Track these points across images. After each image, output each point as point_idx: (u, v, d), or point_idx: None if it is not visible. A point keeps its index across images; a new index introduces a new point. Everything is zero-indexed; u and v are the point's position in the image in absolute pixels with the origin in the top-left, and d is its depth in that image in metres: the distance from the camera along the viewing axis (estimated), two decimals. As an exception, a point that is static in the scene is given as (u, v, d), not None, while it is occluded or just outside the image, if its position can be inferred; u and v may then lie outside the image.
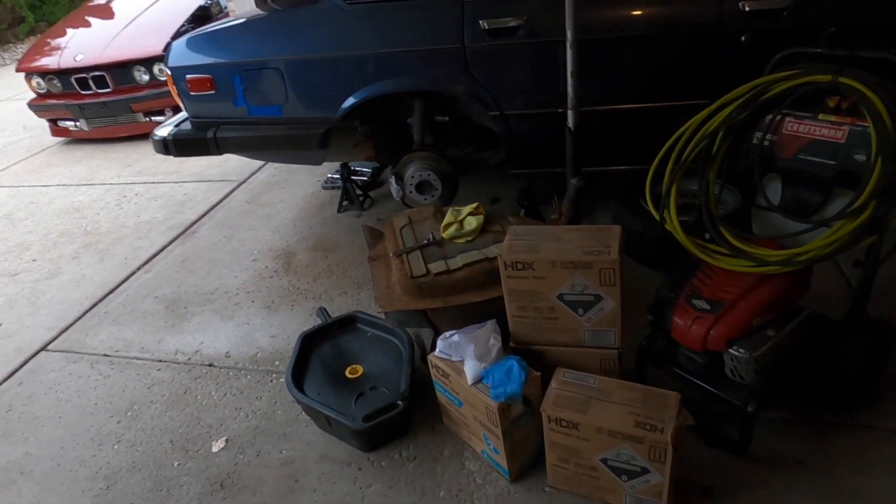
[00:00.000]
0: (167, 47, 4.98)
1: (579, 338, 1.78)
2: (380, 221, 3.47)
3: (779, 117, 1.77)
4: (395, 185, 2.81)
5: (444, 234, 2.27)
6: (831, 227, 1.63)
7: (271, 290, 2.95)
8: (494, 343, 1.78)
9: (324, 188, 3.98)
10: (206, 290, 3.05)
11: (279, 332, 2.64)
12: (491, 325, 1.83)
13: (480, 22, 2.36)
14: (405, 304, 2.02)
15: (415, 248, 2.20)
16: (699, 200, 1.92)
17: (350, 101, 2.56)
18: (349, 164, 3.57)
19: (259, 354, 2.53)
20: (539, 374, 1.72)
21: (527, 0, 2.37)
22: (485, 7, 2.38)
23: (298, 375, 2.16)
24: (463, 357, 1.81)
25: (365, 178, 3.79)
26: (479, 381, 1.74)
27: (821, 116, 1.70)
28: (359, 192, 3.65)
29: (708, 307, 1.66)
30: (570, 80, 2.11)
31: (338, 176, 3.70)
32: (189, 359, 2.57)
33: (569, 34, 2.02)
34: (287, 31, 2.56)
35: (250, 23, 2.54)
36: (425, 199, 2.85)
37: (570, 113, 2.18)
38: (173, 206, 4.09)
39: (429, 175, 2.78)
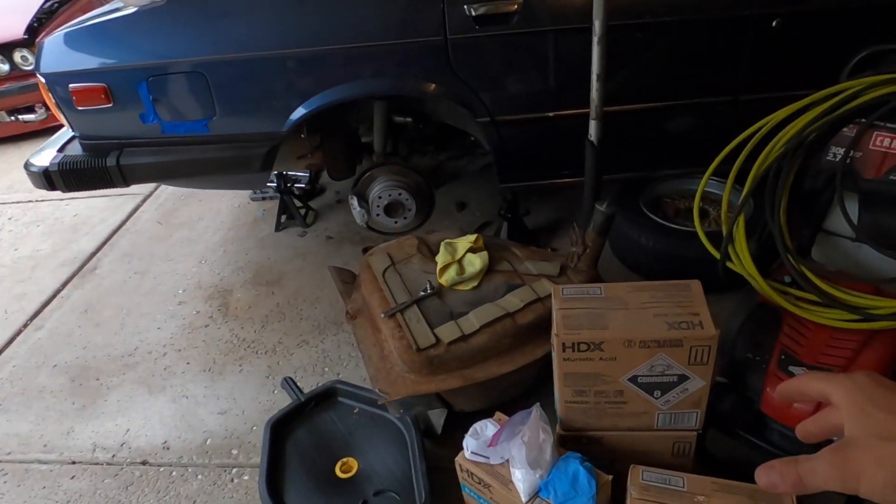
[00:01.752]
0: (30, 30, 4.07)
1: (650, 422, 1.42)
2: (330, 240, 2.94)
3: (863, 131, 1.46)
4: (357, 208, 2.30)
5: (443, 280, 1.81)
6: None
7: (209, 345, 2.38)
8: (546, 439, 1.38)
9: (252, 199, 3.36)
10: (121, 350, 2.41)
11: (230, 407, 2.10)
12: (537, 414, 1.41)
13: (466, 7, 1.87)
14: (415, 388, 1.56)
15: (410, 303, 1.73)
16: (763, 232, 1.59)
17: (300, 111, 2.00)
18: (284, 172, 2.98)
19: (209, 441, 1.98)
20: (610, 477, 1.34)
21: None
22: (469, -13, 1.89)
23: (274, 480, 1.67)
24: (505, 459, 1.40)
25: (303, 186, 3.22)
26: (535, 495, 1.34)
27: (921, 130, 1.40)
28: (298, 204, 3.08)
29: (813, 377, 1.33)
30: (594, 84, 1.68)
31: (272, 184, 3.10)
32: (113, 456, 1.98)
33: (596, 26, 1.59)
34: (211, 22, 1.93)
35: (158, 10, 1.89)
36: (395, 223, 2.36)
37: (592, 123, 1.76)
38: (62, 233, 3.31)
39: (399, 194, 2.28)
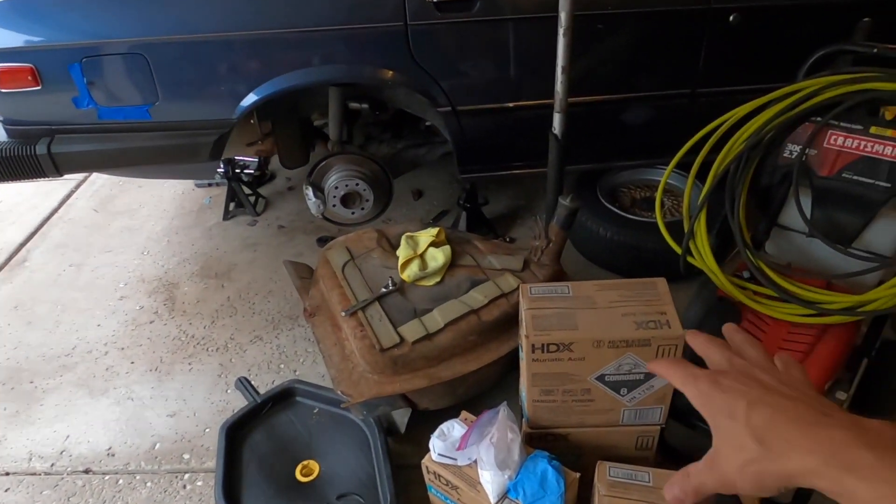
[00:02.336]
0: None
1: (616, 418, 1.43)
2: (282, 230, 2.83)
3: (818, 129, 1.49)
4: (312, 199, 2.21)
5: (405, 276, 1.77)
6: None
7: (155, 343, 2.25)
8: (514, 438, 1.37)
9: (198, 186, 3.20)
10: (58, 350, 2.26)
11: (180, 408, 2.00)
12: (504, 414, 1.40)
13: (426, -9, 1.80)
14: (378, 389, 1.52)
15: (372, 300, 1.68)
16: (720, 227, 1.62)
17: (252, 97, 1.88)
18: (233, 158, 2.84)
19: (158, 446, 1.88)
20: (577, 475, 1.34)
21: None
22: (430, -29, 1.81)
23: (230, 486, 1.60)
24: (473, 460, 1.39)
25: (252, 172, 3.08)
26: (504, 495, 1.33)
27: (874, 130, 1.44)
28: (248, 191, 2.95)
29: (771, 371, 1.37)
30: (559, 77, 1.65)
31: (219, 170, 2.95)
32: (52, 465, 1.85)
33: (562, 17, 1.55)
34: (151, -1, 1.78)
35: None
36: (353, 214, 2.29)
37: (557, 116, 1.73)
38: (-15, 222, 3.06)
39: (357, 184, 2.21)
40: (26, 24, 1.80)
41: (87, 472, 1.83)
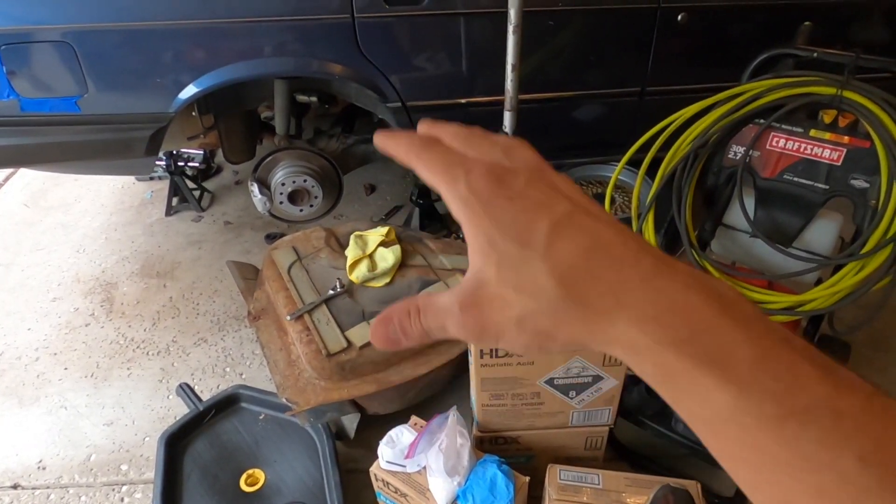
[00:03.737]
0: None
1: (565, 420, 1.43)
2: (228, 226, 2.73)
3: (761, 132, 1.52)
4: (258, 195, 2.13)
5: (353, 277, 1.72)
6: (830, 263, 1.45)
7: (91, 348, 2.14)
8: (464, 444, 1.35)
9: (138, 180, 3.05)
10: (-17, 356, 2.12)
11: (117, 417, 1.90)
12: (454, 419, 1.38)
13: (374, -16, 1.74)
14: (325, 396, 1.47)
15: (319, 303, 1.63)
16: (668, 226, 1.63)
17: (191, 90, 1.79)
18: (175, 150, 2.72)
19: (94, 457, 1.79)
20: (527, 479, 1.34)
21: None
22: (377, -38, 1.75)
23: (170, 499, 1.53)
24: (422, 467, 1.36)
25: (196, 166, 2.96)
26: (453, 502, 1.31)
27: (813, 133, 1.47)
28: (192, 186, 2.83)
29: (715, 371, 1.39)
30: (509, 75, 1.62)
31: (161, 163, 2.83)
32: (-24, 481, 1.74)
33: (512, 14, 1.52)
34: (75, -17, 1.66)
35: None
36: (301, 211, 2.22)
37: (507, 115, 1.71)
38: None
39: (305, 181, 2.14)
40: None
41: (15, 487, 1.72)
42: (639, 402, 1.59)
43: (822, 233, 1.55)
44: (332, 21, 1.77)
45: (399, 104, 1.93)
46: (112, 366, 2.07)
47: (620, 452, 1.69)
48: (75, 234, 2.71)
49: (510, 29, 1.54)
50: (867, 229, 1.37)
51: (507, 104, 1.68)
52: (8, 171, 3.12)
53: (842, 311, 1.52)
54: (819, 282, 1.54)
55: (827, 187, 1.47)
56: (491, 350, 1.26)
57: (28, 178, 3.10)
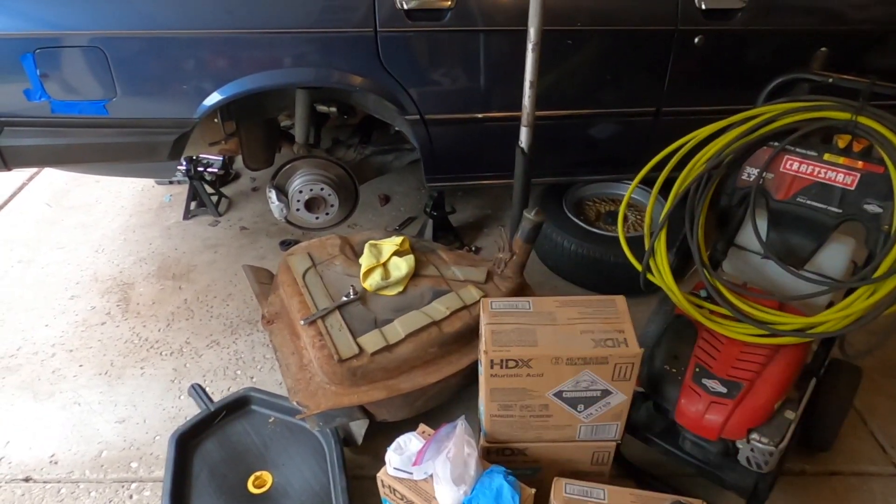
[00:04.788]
0: None
1: (572, 433, 1.44)
2: (244, 231, 2.78)
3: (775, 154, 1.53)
4: (276, 202, 2.17)
5: (367, 285, 1.75)
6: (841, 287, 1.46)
7: (106, 346, 2.18)
8: (471, 453, 1.36)
9: (158, 183, 3.11)
10: (1, 351, 2.16)
11: (129, 415, 1.93)
12: (462, 428, 1.39)
13: (398, 0, 1.78)
14: (336, 400, 1.49)
15: (332, 309, 1.66)
16: (680, 245, 1.65)
17: (215, 97, 1.83)
18: (195, 156, 2.77)
19: (105, 454, 1.82)
20: (533, 490, 1.34)
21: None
22: (402, -22, 1.80)
23: (178, 498, 1.55)
24: (429, 475, 1.37)
25: (215, 171, 3.01)
26: (459, 511, 1.32)
27: (827, 157, 1.49)
28: (210, 190, 2.88)
29: (724, 390, 1.40)
30: (527, 91, 1.66)
31: (181, 167, 2.88)
32: (-10, 473, 1.77)
33: (531, 32, 1.56)
34: (110, -9, 1.72)
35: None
36: (317, 219, 2.25)
37: (523, 130, 1.74)
38: (-72, 213, 2.92)
39: (322, 189, 2.17)
40: (-24, 11, 1.72)
41: (27, 480, 1.75)
42: (646, 420, 1.60)
43: (834, 256, 1.55)
44: (355, 34, 1.81)
45: (417, 116, 1.97)
46: (126, 364, 2.10)
47: (627, 470, 1.69)
48: (95, 234, 2.76)
49: (529, 47, 1.58)
50: (879, 254, 1.38)
51: (524, 120, 1.71)
52: (32, 170, 3.19)
53: (853, 336, 1.52)
54: (831, 305, 1.55)
55: (840, 211, 1.49)
56: (502, 360, 1.28)
57: (51, 178, 3.17)
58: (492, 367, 1.29)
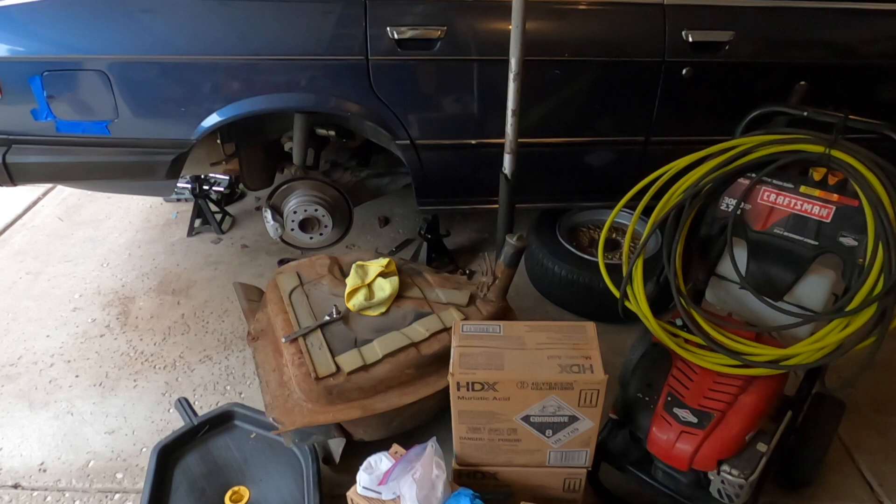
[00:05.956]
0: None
1: (542, 459, 1.44)
2: (245, 249, 2.84)
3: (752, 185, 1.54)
4: (271, 221, 2.22)
5: (350, 305, 1.78)
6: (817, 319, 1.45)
7: (103, 358, 2.23)
8: (439, 475, 1.37)
9: (166, 200, 3.20)
10: (3, 359, 2.23)
11: (119, 426, 1.97)
12: (431, 450, 1.40)
13: (389, 29, 1.85)
14: (311, 418, 1.52)
15: (314, 327, 1.69)
16: (662, 273, 1.66)
17: (212, 119, 1.91)
18: (203, 175, 2.86)
19: (92, 463, 1.86)
20: (500, 513, 1.35)
21: (446, 7, 1.88)
22: (394, 10, 1.86)
23: (156, 510, 1.58)
24: (397, 495, 1.38)
25: (221, 190, 3.09)
26: (424, 533, 1.33)
27: (803, 189, 1.49)
28: (215, 209, 2.96)
29: (694, 420, 1.40)
30: (510, 119, 1.70)
31: (187, 186, 2.97)
32: (-19, 478, 1.82)
33: (513, 63, 1.60)
34: (114, 18, 1.80)
35: (58, 0, 1.76)
36: (311, 238, 2.30)
37: (507, 157, 1.78)
38: (-54, 225, 3.03)
39: (316, 210, 2.23)
40: (-5, 34, 1.82)
41: (15, 486, 1.80)
42: (622, 448, 1.59)
43: (814, 288, 1.55)
44: (349, 62, 1.88)
45: (408, 141, 2.02)
46: (120, 376, 2.15)
47: (605, 498, 1.68)
48: (102, 248, 2.84)
49: (511, 76, 1.62)
50: (853, 287, 1.37)
51: (508, 147, 1.75)
52: (46, 186, 3.30)
53: (844, 369, 1.50)
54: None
55: (816, 243, 1.49)
56: (468, 383, 1.30)
57: (65, 194, 3.27)
58: (458, 390, 1.30)
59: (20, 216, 3.10)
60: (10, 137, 1.90)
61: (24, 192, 3.23)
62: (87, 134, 1.90)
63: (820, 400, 1.70)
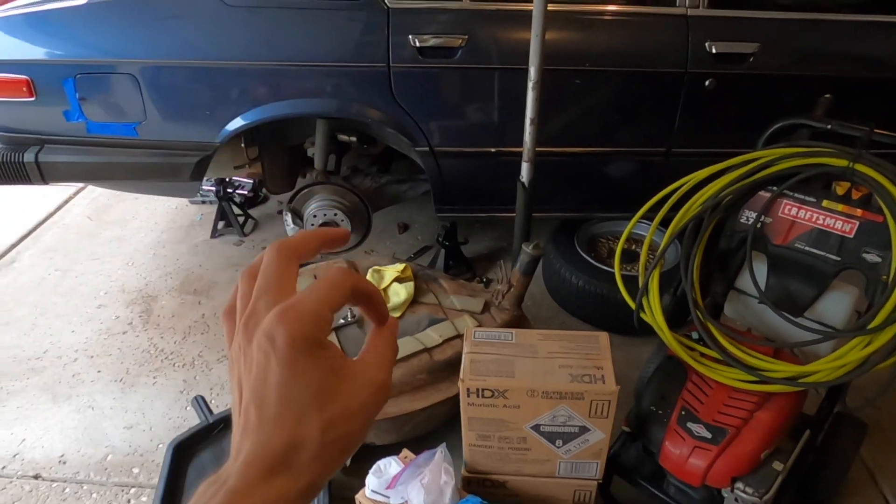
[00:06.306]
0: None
1: (552, 469, 1.43)
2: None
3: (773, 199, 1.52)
4: (291, 224, 2.26)
5: (366, 309, 1.79)
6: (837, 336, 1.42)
7: (125, 354, 2.28)
8: (448, 481, 1.37)
9: (192, 202, 3.26)
10: (29, 353, 2.29)
11: (137, 422, 2.01)
12: (440, 456, 1.41)
13: (411, 37, 1.87)
14: (322, 419, 1.53)
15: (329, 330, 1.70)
16: (680, 286, 1.64)
17: (236, 122, 1.95)
18: (228, 178, 2.91)
19: (110, 457, 1.89)
20: (507, 523, 1.34)
21: (468, 16, 1.90)
22: (416, 19, 1.88)
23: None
24: (406, 500, 1.38)
25: (245, 193, 3.14)
26: (430, 539, 1.33)
27: (825, 203, 1.47)
28: (238, 212, 3.01)
29: (708, 435, 1.37)
30: (528, 128, 1.70)
31: (212, 188, 3.02)
32: (3, 468, 1.86)
33: (532, 72, 1.61)
34: (146, 24, 1.86)
35: (93, 6, 1.82)
36: (330, 242, 2.32)
37: (524, 165, 1.78)
38: (-18, 221, 3.14)
39: (335, 214, 2.25)
40: (32, 38, 1.89)
41: (36, 477, 1.84)
42: (635, 461, 1.57)
43: (835, 304, 1.51)
44: (371, 69, 1.90)
45: (427, 148, 2.03)
46: (140, 373, 2.19)
47: (615, 511, 1.66)
48: (128, 247, 2.91)
49: (529, 85, 1.63)
50: (876, 304, 1.34)
51: (525, 155, 1.75)
52: (77, 186, 3.40)
53: (865, 388, 1.47)
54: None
55: (839, 259, 1.46)
56: (478, 389, 1.29)
57: (95, 194, 3.36)
58: (468, 396, 1.30)
59: (51, 214, 3.20)
60: (43, 137, 1.97)
61: (56, 192, 3.33)
62: (116, 135, 1.96)
63: (841, 419, 1.66)
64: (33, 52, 1.89)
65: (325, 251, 0.42)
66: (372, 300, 0.41)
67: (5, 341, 2.35)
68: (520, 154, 1.84)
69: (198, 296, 2.59)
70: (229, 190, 2.98)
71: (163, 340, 2.34)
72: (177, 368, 2.22)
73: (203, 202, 3.23)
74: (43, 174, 1.98)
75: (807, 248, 1.50)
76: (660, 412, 1.46)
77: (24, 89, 1.86)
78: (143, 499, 1.77)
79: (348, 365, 0.37)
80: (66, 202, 3.30)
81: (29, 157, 1.94)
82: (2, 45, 1.88)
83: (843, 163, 1.39)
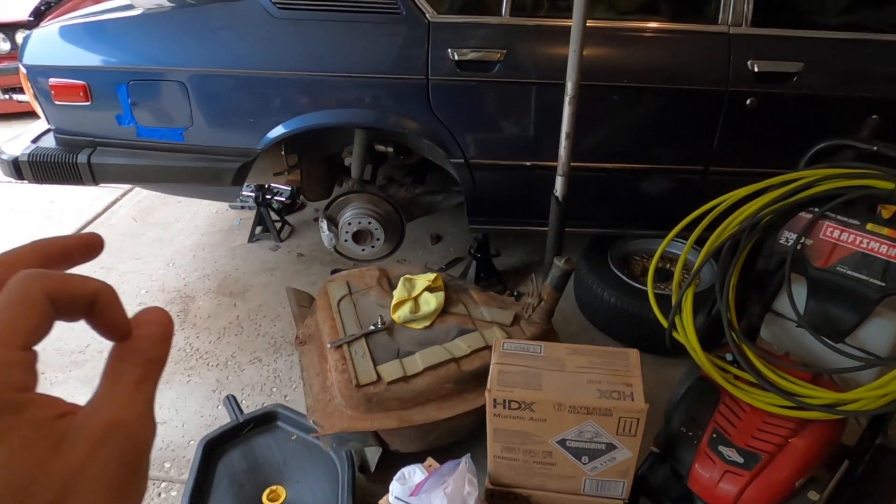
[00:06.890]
0: (36, 13, 4.10)
1: (577, 486, 1.41)
2: (301, 258, 2.93)
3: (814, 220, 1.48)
4: (326, 231, 2.30)
5: (395, 317, 1.81)
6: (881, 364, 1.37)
7: (162, 352, 2.34)
8: (471, 492, 1.37)
9: (231, 207, 3.35)
10: (73, 346, 2.38)
11: (171, 417, 2.06)
12: (465, 466, 1.40)
13: (450, 51, 1.90)
14: (349, 424, 1.55)
15: (359, 336, 1.73)
16: (715, 306, 1.61)
17: (278, 130, 2.01)
18: (267, 184, 2.98)
19: (143, 451, 1.94)
20: (529, 538, 1.33)
21: (507, 31, 1.92)
22: (456, 32, 1.92)
23: (199, 500, 1.64)
24: (428, 508, 1.39)
25: (283, 200, 3.22)
26: (452, 549, 1.32)
27: (870, 227, 1.42)
28: (275, 217, 3.08)
29: (741, 460, 1.34)
30: (563, 142, 1.71)
31: (251, 194, 3.10)
32: (43, 456, 1.93)
33: (569, 86, 1.62)
34: (196, 34, 1.95)
35: (147, 17, 1.91)
36: (363, 250, 2.36)
37: (559, 180, 1.78)
38: (34, 220, 3.28)
39: (369, 223, 2.29)
40: (89, 45, 1.99)
41: (72, 467, 1.90)
42: (663, 483, 1.54)
43: (878, 331, 1.47)
44: (410, 81, 1.94)
45: (462, 160, 2.05)
46: (175, 371, 2.25)
47: (642, 534, 1.62)
48: (169, 249, 3.01)
49: (566, 100, 1.63)
50: (922, 333, 1.29)
51: (560, 170, 1.76)
52: (124, 188, 3.53)
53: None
54: (874, 383, 1.45)
55: (883, 284, 1.41)
56: (505, 400, 1.29)
57: (140, 197, 3.49)
58: (494, 407, 1.30)
59: (99, 215, 3.33)
60: (96, 140, 2.06)
61: (104, 193, 3.46)
62: (163, 140, 2.04)
63: (883, 452, 1.59)
64: (90, 58, 1.99)
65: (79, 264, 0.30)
66: (96, 306, 0.27)
67: (51, 334, 2.43)
68: (554, 168, 1.85)
69: (234, 298, 2.65)
70: (268, 196, 3.06)
71: (198, 340, 2.41)
72: (210, 368, 2.27)
73: (242, 207, 3.31)
74: (94, 175, 2.08)
75: (849, 273, 1.46)
76: (690, 434, 1.43)
77: (81, 94, 1.96)
78: (174, 493, 1.81)
79: (66, 421, 0.25)
80: (112, 203, 3.43)
81: (82, 158, 2.03)
82: (62, 51, 1.99)
83: (889, 185, 1.36)
